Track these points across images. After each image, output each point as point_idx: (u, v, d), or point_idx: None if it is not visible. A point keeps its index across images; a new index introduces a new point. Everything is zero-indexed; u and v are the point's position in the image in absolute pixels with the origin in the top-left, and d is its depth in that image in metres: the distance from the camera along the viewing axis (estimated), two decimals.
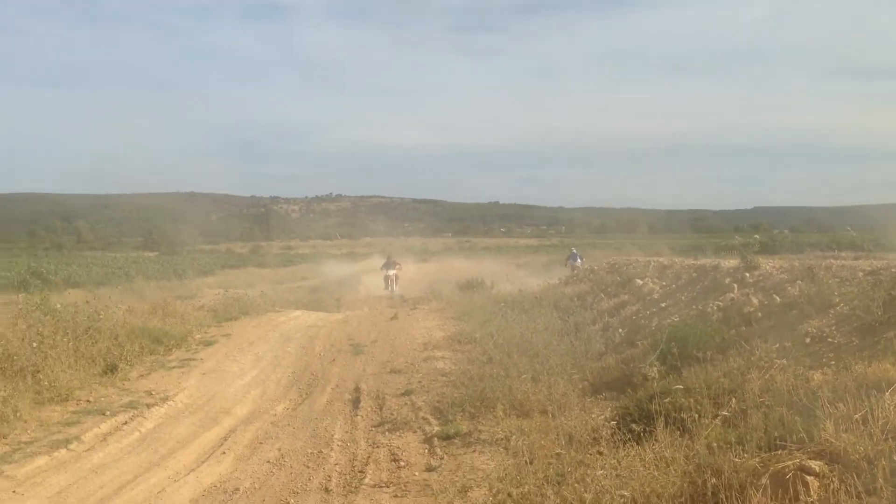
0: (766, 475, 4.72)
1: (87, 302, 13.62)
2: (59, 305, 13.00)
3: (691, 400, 6.58)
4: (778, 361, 7.28)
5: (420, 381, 10.69)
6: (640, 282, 15.32)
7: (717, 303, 10.83)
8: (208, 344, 13.84)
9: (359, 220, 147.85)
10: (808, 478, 4.57)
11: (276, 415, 9.73)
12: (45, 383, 9.38)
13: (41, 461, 7.35)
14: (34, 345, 10.03)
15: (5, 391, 8.59)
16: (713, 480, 4.88)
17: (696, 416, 6.23)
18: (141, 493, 6.79)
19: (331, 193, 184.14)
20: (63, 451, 7.68)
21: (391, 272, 30.72)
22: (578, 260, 31.91)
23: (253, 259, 63.46)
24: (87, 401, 9.59)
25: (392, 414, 9.25)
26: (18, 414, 8.43)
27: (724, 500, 4.66)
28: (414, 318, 17.06)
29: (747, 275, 11.37)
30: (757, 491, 4.59)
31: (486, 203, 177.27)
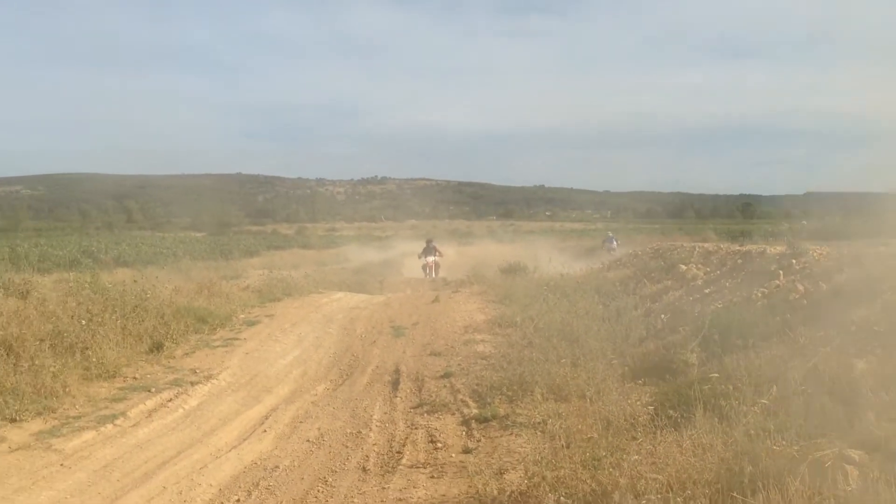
0: (805, 463, 4.65)
1: (136, 281, 13.90)
2: (108, 284, 13.28)
3: (731, 387, 6.52)
4: (822, 349, 7.17)
5: (459, 364, 10.70)
6: (683, 267, 15.12)
7: (761, 289, 10.64)
8: (252, 324, 14.03)
9: (404, 202, 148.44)
10: (848, 467, 4.51)
11: (316, 395, 9.84)
12: (94, 360, 9.60)
13: (88, 436, 7.55)
14: (83, 322, 10.29)
15: (55, 367, 8.82)
16: (750, 468, 4.84)
17: (736, 403, 6.17)
18: (184, 469, 6.94)
19: (376, 176, 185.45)
20: (109, 426, 7.88)
21: (430, 259, 27.63)
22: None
23: (298, 240, 63.95)
24: (134, 378, 9.80)
25: (431, 396, 9.28)
26: (67, 389, 8.66)
27: (762, 487, 4.61)
28: (455, 301, 17.04)
29: (794, 261, 11.15)
30: (795, 479, 4.53)
31: (532, 187, 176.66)
